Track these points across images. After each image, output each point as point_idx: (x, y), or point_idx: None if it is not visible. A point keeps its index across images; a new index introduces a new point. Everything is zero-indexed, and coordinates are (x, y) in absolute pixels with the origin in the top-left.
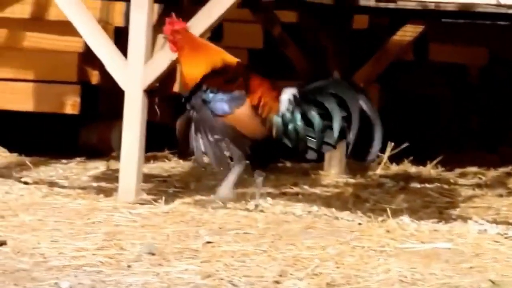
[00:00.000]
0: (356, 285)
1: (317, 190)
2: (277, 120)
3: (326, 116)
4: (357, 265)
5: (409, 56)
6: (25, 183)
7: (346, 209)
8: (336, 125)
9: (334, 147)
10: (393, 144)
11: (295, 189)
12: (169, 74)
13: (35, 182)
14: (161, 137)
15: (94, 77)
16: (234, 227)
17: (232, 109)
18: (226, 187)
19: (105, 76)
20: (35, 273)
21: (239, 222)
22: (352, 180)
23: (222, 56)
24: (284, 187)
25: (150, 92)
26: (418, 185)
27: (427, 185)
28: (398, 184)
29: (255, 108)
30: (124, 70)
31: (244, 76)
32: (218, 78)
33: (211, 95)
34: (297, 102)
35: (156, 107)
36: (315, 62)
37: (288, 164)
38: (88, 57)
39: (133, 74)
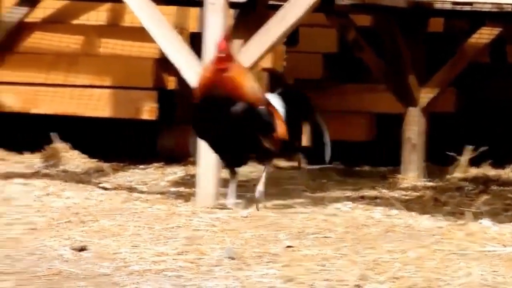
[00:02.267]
0: None
1: (396, 194)
2: None
3: None
4: (438, 269)
5: (486, 59)
6: (105, 188)
7: (425, 212)
8: None
9: None
10: (471, 147)
11: (374, 193)
12: None
13: (114, 188)
14: None
15: (170, 82)
16: (314, 231)
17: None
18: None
19: (181, 81)
20: (116, 278)
21: (318, 226)
22: (431, 184)
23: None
24: (362, 191)
25: None
26: (497, 188)
27: (506, 188)
28: (477, 187)
29: None
30: (199, 74)
31: None
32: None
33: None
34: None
35: None
36: (391, 66)
37: (366, 168)
38: (164, 63)
39: None
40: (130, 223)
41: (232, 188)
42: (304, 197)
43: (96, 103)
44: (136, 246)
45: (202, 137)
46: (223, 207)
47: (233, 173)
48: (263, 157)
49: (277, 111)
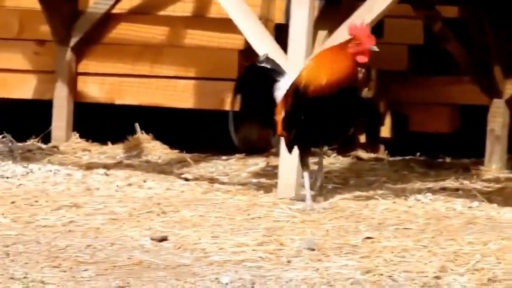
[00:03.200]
0: None
1: (477, 186)
2: None
3: None
4: None
5: None
6: (186, 179)
7: (508, 204)
8: None
9: None
10: None
11: (456, 185)
12: None
13: (196, 179)
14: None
15: None
16: (394, 223)
17: None
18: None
19: None
20: (196, 268)
21: (399, 217)
22: None
23: None
24: (444, 182)
25: None
26: None
27: None
28: None
29: None
30: (284, 66)
31: None
32: None
33: None
34: None
35: None
36: (476, 58)
37: (449, 159)
38: (248, 54)
39: (293, 70)
40: (211, 213)
41: (308, 181)
42: (385, 189)
43: (181, 94)
44: (216, 237)
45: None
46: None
47: (308, 165)
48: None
49: None
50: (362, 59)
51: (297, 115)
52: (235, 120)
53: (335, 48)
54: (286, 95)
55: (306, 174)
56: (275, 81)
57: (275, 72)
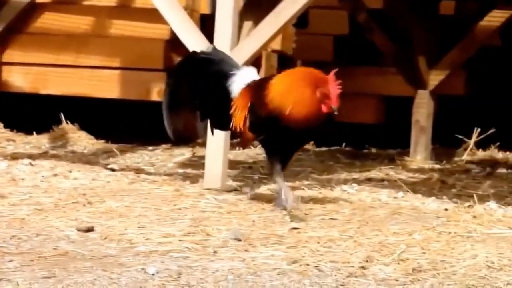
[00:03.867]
0: (442, 271)
1: (402, 176)
2: None
3: None
4: (443, 251)
5: (497, 42)
6: (112, 170)
7: (432, 195)
8: None
9: None
10: (479, 129)
11: (381, 175)
12: (255, 61)
13: (122, 169)
14: None
15: None
16: (320, 213)
17: None
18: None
19: None
20: (122, 259)
21: (325, 208)
22: (438, 166)
23: None
24: (369, 173)
25: None
26: (505, 171)
27: None
28: (484, 170)
29: None
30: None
31: None
32: None
33: None
34: None
35: None
36: (401, 48)
37: (374, 150)
38: (174, 44)
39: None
40: (137, 204)
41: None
42: (311, 179)
43: (106, 84)
44: (142, 227)
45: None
46: (230, 188)
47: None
48: None
49: None
50: (324, 108)
51: (265, 133)
52: (167, 110)
53: (302, 80)
54: (245, 93)
55: (278, 179)
56: (226, 73)
57: (225, 63)
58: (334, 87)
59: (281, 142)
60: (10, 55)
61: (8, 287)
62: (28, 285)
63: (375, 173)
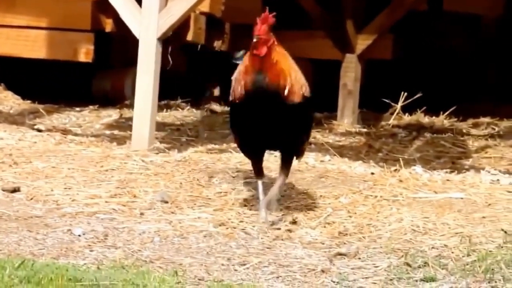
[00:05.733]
0: (368, 234)
1: (329, 140)
2: None
3: None
4: (369, 215)
5: (423, 7)
6: (38, 130)
7: (359, 158)
8: None
9: None
10: (405, 94)
11: None
12: (183, 23)
13: (48, 130)
14: (174, 86)
15: (108, 25)
16: (247, 176)
17: None
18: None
19: (119, 24)
20: (48, 220)
21: (251, 171)
22: (365, 130)
23: None
24: None
25: (164, 40)
26: (431, 136)
27: (439, 135)
28: (411, 134)
29: None
30: (138, 18)
31: None
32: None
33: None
34: None
35: (169, 55)
36: (329, 12)
37: None
38: (102, 5)
39: (147, 22)
40: (64, 165)
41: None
42: None
43: (33, 44)
44: (69, 188)
45: (243, 136)
46: (157, 150)
47: (262, 174)
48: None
49: None
50: (254, 51)
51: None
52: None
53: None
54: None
55: (258, 183)
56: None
57: None
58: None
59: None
60: None
61: None
62: None
63: None
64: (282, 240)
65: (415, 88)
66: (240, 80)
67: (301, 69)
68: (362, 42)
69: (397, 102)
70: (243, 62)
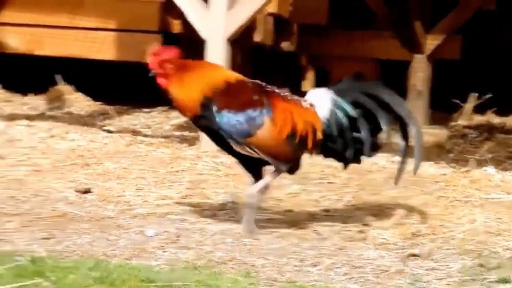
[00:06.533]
0: (441, 235)
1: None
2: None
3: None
4: (442, 216)
5: (492, 7)
6: (109, 131)
7: (429, 159)
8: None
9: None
10: (476, 95)
11: None
12: (251, 24)
13: (119, 131)
14: None
15: (176, 26)
16: (318, 177)
17: (254, 131)
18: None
19: (187, 25)
20: (120, 221)
21: (323, 171)
22: (435, 131)
23: (224, 74)
24: None
25: (232, 41)
26: (501, 136)
27: (511, 135)
28: (481, 135)
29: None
30: (205, 18)
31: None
32: (227, 98)
33: (225, 116)
34: (337, 104)
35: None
36: (397, 12)
37: None
38: (170, 6)
39: (215, 23)
40: (135, 166)
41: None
42: None
43: (101, 46)
44: (140, 189)
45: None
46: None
47: (251, 175)
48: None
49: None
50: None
51: None
52: None
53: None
54: None
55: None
56: None
57: None
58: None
59: None
60: (6, 16)
61: (7, 248)
62: (27, 246)
63: None
64: (355, 241)
65: (485, 88)
66: None
67: (368, 69)
68: (431, 42)
69: (464, 103)
70: None
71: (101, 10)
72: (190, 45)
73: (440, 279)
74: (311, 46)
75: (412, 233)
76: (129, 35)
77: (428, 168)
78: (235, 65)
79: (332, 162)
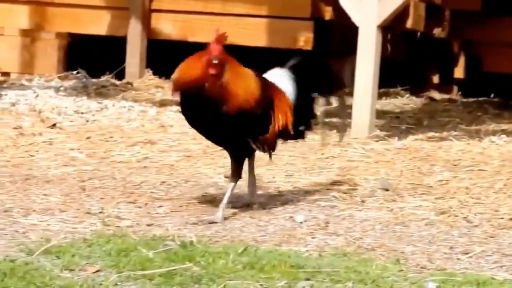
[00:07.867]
0: None
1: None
2: None
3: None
4: None
5: None
6: None
7: None
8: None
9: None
10: None
11: None
12: (403, 10)
13: None
14: (393, 74)
15: (327, 13)
16: (469, 164)
17: None
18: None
19: (338, 12)
20: (270, 207)
21: (474, 159)
22: None
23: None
24: None
25: (384, 28)
26: None
27: None
28: None
29: None
30: (359, 5)
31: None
32: None
33: None
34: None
35: (388, 43)
36: None
37: None
38: None
39: (368, 9)
40: (284, 152)
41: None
42: (459, 130)
43: (252, 32)
44: (290, 176)
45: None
46: (377, 138)
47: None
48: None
49: (283, 98)
50: (210, 70)
51: None
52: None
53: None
54: None
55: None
56: None
57: None
58: (212, 47)
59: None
60: (159, 2)
61: (158, 232)
62: (177, 231)
63: None
64: (506, 229)
65: None
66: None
67: None
68: None
69: None
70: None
71: None
72: (342, 31)
73: None
74: (463, 32)
75: None
76: (281, 22)
77: None
78: (386, 51)
79: (484, 150)
